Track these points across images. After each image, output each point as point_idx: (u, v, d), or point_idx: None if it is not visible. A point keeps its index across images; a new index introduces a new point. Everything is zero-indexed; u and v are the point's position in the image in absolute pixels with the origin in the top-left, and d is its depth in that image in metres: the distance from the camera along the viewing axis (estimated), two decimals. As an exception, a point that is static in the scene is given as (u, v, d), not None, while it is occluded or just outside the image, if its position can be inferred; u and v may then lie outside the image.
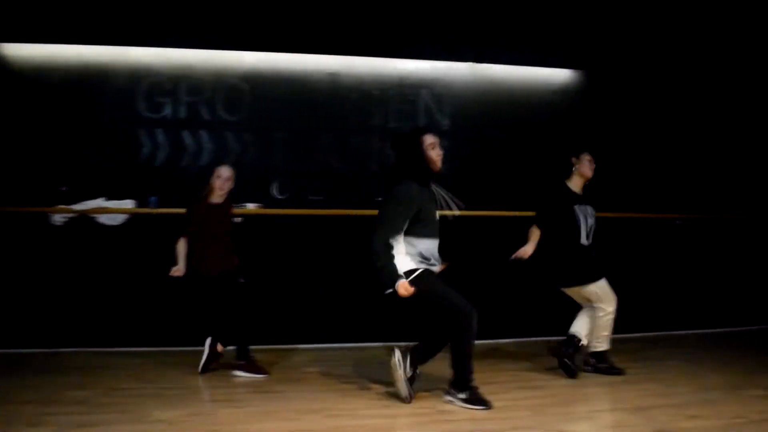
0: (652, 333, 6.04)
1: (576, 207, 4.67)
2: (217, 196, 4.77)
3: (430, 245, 3.97)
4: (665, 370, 4.77)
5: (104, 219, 5.30)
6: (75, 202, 5.35)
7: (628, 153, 6.35)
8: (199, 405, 3.87)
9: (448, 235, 5.59)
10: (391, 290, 3.76)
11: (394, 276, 3.75)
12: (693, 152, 6.51)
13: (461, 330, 3.82)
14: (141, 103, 5.72)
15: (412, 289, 3.73)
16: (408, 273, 3.82)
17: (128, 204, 5.41)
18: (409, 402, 3.88)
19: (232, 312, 4.61)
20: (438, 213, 4.07)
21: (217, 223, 4.74)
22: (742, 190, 6.55)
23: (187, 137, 5.75)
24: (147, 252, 5.29)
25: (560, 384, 4.39)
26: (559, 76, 6.40)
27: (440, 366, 4.32)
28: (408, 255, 3.89)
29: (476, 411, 3.76)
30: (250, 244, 5.33)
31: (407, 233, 3.89)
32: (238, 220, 5.34)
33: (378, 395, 4.13)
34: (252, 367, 4.59)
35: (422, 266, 3.89)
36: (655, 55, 6.46)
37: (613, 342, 5.60)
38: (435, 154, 4.01)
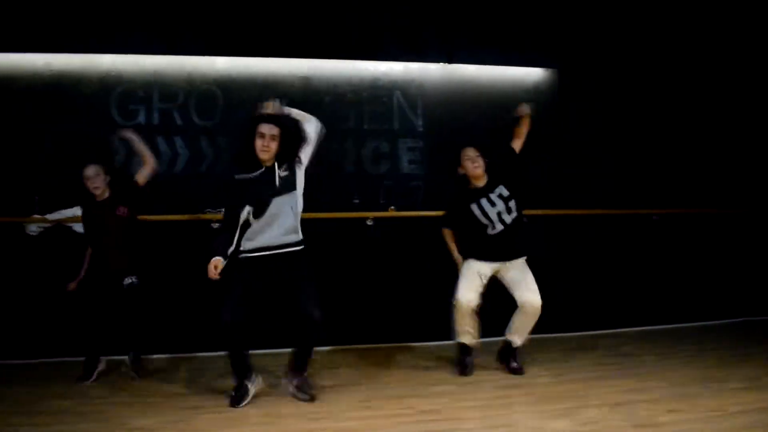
0: (626, 329, 6.10)
1: (473, 205, 4.68)
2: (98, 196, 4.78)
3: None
4: (641, 365, 4.82)
5: (80, 228, 5.23)
6: (50, 212, 5.28)
7: (601, 150, 6.40)
8: (177, 412, 3.84)
9: (423, 237, 5.67)
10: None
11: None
12: (667, 147, 6.57)
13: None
14: (114, 110, 5.67)
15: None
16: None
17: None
18: None
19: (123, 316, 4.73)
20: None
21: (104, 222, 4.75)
22: (716, 184, 6.61)
23: (161, 143, 5.72)
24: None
25: (537, 381, 4.42)
26: (531, 75, 6.43)
27: (428, 369, 4.34)
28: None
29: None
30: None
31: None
32: (214, 225, 5.31)
33: (357, 397, 4.13)
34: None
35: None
36: (628, 51, 6.52)
37: (589, 338, 5.70)
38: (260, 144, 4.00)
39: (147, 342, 4.87)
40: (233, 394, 4.01)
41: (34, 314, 5.20)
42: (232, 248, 3.96)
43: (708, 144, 6.65)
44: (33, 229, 5.25)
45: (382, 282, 5.79)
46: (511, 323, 4.68)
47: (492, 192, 4.68)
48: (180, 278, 5.24)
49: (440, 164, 6.08)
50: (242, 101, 5.82)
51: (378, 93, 6.12)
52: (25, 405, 4.00)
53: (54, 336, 5.20)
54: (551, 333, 5.68)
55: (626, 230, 6.35)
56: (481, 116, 6.17)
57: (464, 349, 4.71)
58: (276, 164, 4.04)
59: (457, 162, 4.80)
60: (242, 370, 4.05)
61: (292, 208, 4.03)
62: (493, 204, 4.64)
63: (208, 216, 5.40)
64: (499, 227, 4.64)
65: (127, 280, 4.68)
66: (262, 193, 3.98)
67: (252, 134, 3.99)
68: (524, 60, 6.38)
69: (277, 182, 4.00)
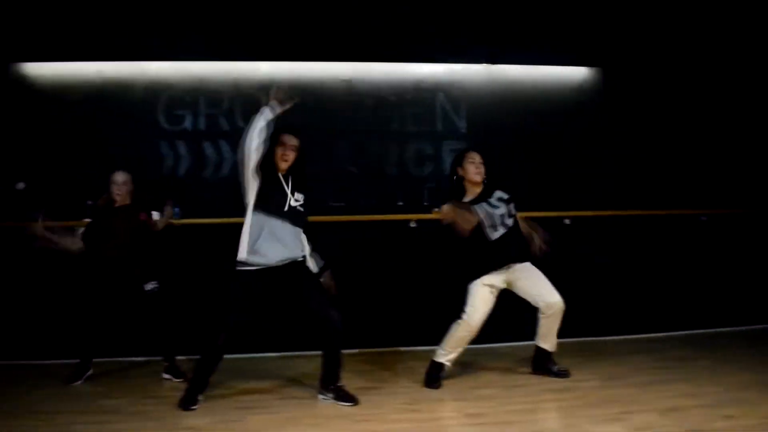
0: (680, 332, 5.96)
1: (475, 206, 4.46)
2: (118, 201, 4.83)
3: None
4: (695, 369, 4.69)
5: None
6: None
7: (646, 150, 6.29)
8: (228, 412, 3.88)
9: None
10: None
11: None
12: (712, 147, 6.43)
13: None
14: (161, 116, 5.79)
15: None
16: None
17: (153, 216, 5.43)
18: None
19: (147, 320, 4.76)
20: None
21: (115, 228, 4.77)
22: (765, 184, 6.45)
23: (207, 148, 5.81)
24: (171, 261, 5.33)
25: (587, 385, 4.34)
26: (575, 74, 6.37)
27: (468, 372, 4.30)
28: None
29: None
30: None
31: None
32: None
33: (400, 399, 4.12)
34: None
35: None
36: (674, 48, 6.41)
37: (639, 341, 5.58)
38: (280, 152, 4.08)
39: (175, 345, 4.85)
40: (183, 395, 4.02)
41: (84, 314, 5.30)
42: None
43: (755, 144, 6.47)
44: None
45: (425, 284, 5.77)
46: (538, 329, 4.55)
47: (491, 197, 4.53)
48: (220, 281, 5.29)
49: (483, 165, 6.06)
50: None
51: (421, 95, 6.12)
52: (75, 403, 4.10)
53: (105, 337, 5.28)
54: (600, 336, 5.61)
55: (673, 231, 6.22)
56: (525, 117, 6.14)
57: (440, 367, 4.52)
58: (289, 177, 4.14)
59: (458, 163, 4.64)
60: (204, 380, 4.07)
61: (297, 235, 4.12)
62: (495, 207, 4.48)
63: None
64: (501, 231, 4.44)
65: (148, 286, 4.73)
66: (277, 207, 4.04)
67: (273, 142, 4.04)
68: (568, 59, 6.32)
69: (287, 206, 4.05)
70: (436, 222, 5.69)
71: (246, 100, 5.87)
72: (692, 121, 6.43)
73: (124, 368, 5.08)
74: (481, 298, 4.46)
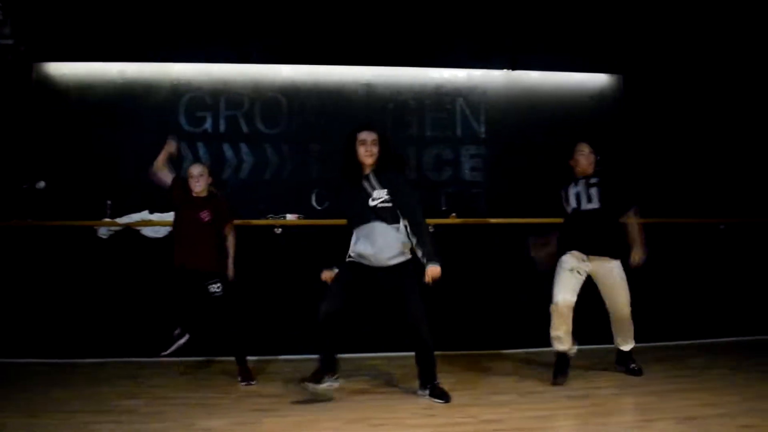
0: (697, 341, 5.92)
1: (569, 186, 4.79)
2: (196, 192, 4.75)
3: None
4: (712, 378, 4.65)
5: (148, 231, 5.39)
6: (120, 216, 5.45)
7: (665, 158, 6.26)
8: (243, 414, 3.90)
9: (489, 243, 5.64)
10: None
11: None
12: (731, 156, 6.40)
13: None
14: (182, 118, 5.84)
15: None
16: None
17: (171, 216, 5.48)
18: None
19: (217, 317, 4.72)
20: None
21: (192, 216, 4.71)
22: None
23: (227, 150, 5.85)
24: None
25: (605, 393, 4.31)
26: (595, 81, 6.36)
27: (485, 378, 4.29)
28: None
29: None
30: (289, 254, 5.40)
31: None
32: (277, 231, 5.40)
33: (422, 404, 4.11)
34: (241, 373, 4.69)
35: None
36: (695, 56, 6.38)
37: (657, 350, 5.54)
38: (363, 150, 4.14)
39: (246, 345, 4.82)
40: (308, 376, 4.11)
41: (103, 315, 5.36)
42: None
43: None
44: (104, 232, 5.41)
45: (442, 289, 5.75)
46: (613, 331, 4.79)
47: (593, 179, 4.73)
48: (245, 283, 5.31)
49: (503, 171, 6.06)
50: (307, 109, 5.92)
51: (441, 100, 6.14)
52: (92, 403, 4.12)
53: (123, 336, 5.35)
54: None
55: (692, 239, 6.17)
56: (545, 123, 6.14)
57: (561, 358, 4.61)
58: (376, 173, 4.15)
59: (569, 155, 4.84)
60: (326, 362, 4.13)
61: (396, 229, 4.11)
62: (590, 186, 4.69)
63: (270, 222, 5.48)
64: (589, 205, 4.65)
65: (213, 287, 4.66)
66: (362, 209, 4.12)
67: (352, 145, 4.14)
68: (588, 66, 6.32)
69: (376, 202, 4.09)
70: (454, 227, 5.73)
71: (266, 102, 5.91)
72: (711, 129, 6.40)
73: (141, 368, 5.11)
74: (563, 277, 4.59)
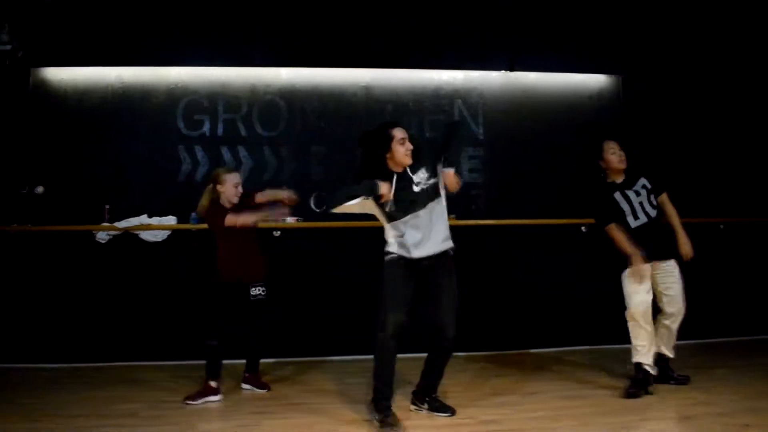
0: (697, 340, 5.90)
1: (616, 194, 4.50)
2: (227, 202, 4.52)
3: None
4: (712, 378, 4.65)
5: (146, 235, 5.39)
6: (118, 220, 5.44)
7: (666, 157, 6.25)
8: (243, 417, 3.91)
9: (488, 245, 5.64)
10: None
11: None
12: (730, 155, 6.40)
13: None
14: (180, 121, 5.85)
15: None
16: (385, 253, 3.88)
17: (170, 220, 5.49)
18: None
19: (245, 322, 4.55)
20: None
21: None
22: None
23: (225, 153, 5.86)
24: (189, 267, 5.38)
25: (604, 393, 4.32)
26: (593, 81, 6.36)
27: (484, 379, 4.28)
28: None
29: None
30: (288, 256, 5.40)
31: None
32: (276, 234, 5.41)
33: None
34: (257, 381, 4.61)
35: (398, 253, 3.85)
36: (694, 57, 6.39)
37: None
38: (403, 150, 3.79)
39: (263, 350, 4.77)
40: (386, 421, 3.71)
41: (102, 319, 5.36)
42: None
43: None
44: (102, 236, 5.41)
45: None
46: (658, 336, 4.53)
47: (634, 185, 4.53)
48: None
49: (501, 173, 6.07)
50: (305, 111, 5.93)
51: (439, 102, 6.14)
52: (92, 407, 4.12)
53: (123, 341, 5.35)
54: (618, 344, 5.56)
55: (692, 239, 6.14)
56: (543, 124, 6.14)
57: (641, 372, 4.36)
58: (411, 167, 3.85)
59: (598, 156, 4.61)
60: (388, 389, 3.83)
61: (440, 202, 3.90)
62: (637, 194, 4.49)
63: (271, 224, 5.47)
64: (643, 218, 4.46)
65: (256, 290, 4.50)
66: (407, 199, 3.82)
67: (386, 143, 3.78)
68: (587, 67, 6.31)
69: (418, 187, 3.81)
70: (453, 229, 5.70)
71: (265, 105, 5.92)
72: (710, 129, 6.40)
73: (141, 372, 5.10)
74: (631, 285, 4.39)
